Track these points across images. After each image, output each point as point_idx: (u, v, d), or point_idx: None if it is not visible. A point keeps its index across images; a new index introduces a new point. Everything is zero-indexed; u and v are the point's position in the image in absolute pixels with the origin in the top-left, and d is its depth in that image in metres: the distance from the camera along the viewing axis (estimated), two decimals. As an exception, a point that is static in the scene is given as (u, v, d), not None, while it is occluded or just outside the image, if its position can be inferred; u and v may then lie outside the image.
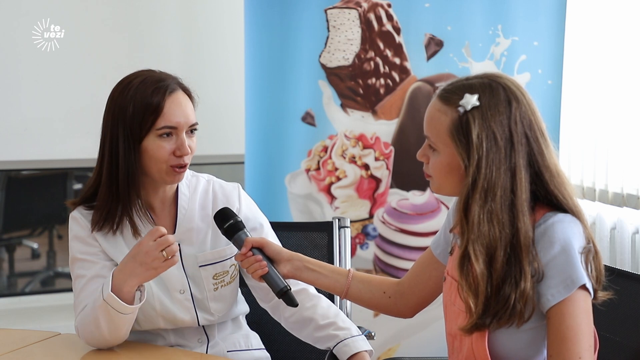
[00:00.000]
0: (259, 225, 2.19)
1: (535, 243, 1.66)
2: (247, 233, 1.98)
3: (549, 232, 1.66)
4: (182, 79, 2.11)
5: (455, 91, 1.70)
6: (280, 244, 2.15)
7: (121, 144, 2.02)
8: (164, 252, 1.93)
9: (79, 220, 2.10)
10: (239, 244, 1.97)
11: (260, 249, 1.96)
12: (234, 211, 2.13)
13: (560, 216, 1.68)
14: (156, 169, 2.04)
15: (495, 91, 1.68)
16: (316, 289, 2.15)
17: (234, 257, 2.11)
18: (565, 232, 1.65)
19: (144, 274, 1.95)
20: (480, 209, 1.65)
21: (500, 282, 1.64)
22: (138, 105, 2.01)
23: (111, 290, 1.95)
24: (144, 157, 2.04)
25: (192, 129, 2.07)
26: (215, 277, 2.14)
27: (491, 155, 1.65)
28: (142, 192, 2.09)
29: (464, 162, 1.67)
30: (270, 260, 1.96)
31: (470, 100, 1.67)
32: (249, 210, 2.19)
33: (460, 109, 1.68)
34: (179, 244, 2.11)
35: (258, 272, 1.93)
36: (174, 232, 2.12)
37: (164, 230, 1.95)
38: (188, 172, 2.18)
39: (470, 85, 1.70)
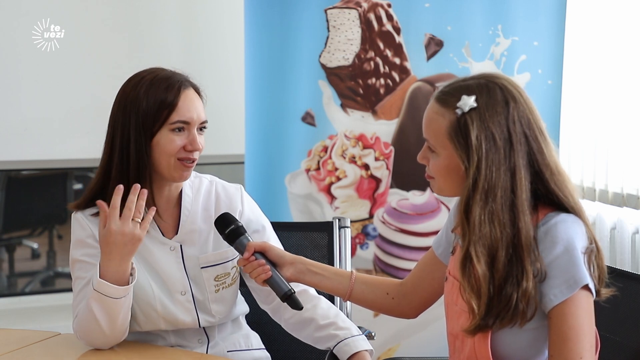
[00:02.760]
0: (261, 228, 2.19)
1: (537, 243, 1.66)
2: (249, 237, 1.98)
3: (551, 232, 1.66)
4: (191, 77, 2.12)
5: (452, 93, 1.70)
6: (281, 246, 2.15)
7: (133, 138, 2.03)
8: (137, 219, 1.97)
9: (80, 221, 2.10)
10: (241, 249, 1.97)
11: (262, 253, 1.96)
12: (237, 213, 2.13)
13: (563, 216, 1.68)
14: (166, 163, 2.05)
15: (492, 92, 1.68)
16: (318, 291, 2.15)
17: (236, 263, 2.12)
18: (568, 232, 1.65)
19: (132, 249, 1.98)
20: (481, 210, 1.64)
21: (502, 282, 1.64)
22: (152, 100, 2.03)
23: (101, 278, 1.96)
24: (154, 152, 2.04)
25: (202, 127, 2.09)
26: (216, 279, 2.14)
27: (491, 156, 1.65)
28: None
29: (463, 164, 1.67)
30: (273, 264, 1.95)
31: (468, 102, 1.67)
32: (251, 212, 2.19)
33: (458, 111, 1.68)
34: (180, 245, 2.12)
35: (262, 277, 1.93)
36: (177, 233, 2.12)
37: (114, 207, 1.98)
38: (192, 173, 2.18)
39: (467, 86, 1.70)
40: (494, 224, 1.64)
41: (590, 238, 1.69)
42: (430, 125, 1.73)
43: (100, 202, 2.00)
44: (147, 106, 2.03)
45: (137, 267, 2.03)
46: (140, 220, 1.98)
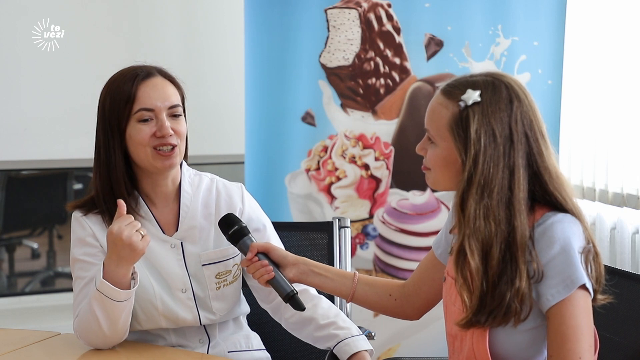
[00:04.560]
0: (261, 226, 2.19)
1: (535, 243, 1.66)
2: (252, 238, 1.99)
3: (548, 232, 1.66)
4: (166, 68, 2.11)
5: (458, 86, 1.71)
6: (282, 245, 2.15)
7: (106, 139, 2.05)
8: (141, 232, 1.95)
9: (80, 220, 2.11)
10: (244, 250, 1.97)
11: (265, 253, 1.96)
12: (237, 211, 2.13)
13: (560, 216, 1.68)
14: (143, 154, 2.05)
15: (497, 89, 1.69)
16: (319, 291, 2.15)
17: (239, 263, 2.12)
18: (565, 232, 1.66)
19: (131, 256, 1.95)
20: (476, 204, 1.65)
21: (496, 279, 1.64)
22: (113, 97, 2.05)
23: (104, 278, 1.95)
24: (130, 146, 2.05)
25: (175, 113, 2.07)
26: (217, 277, 2.14)
27: (489, 152, 1.65)
28: (141, 188, 2.09)
29: (460, 157, 1.68)
30: (276, 264, 1.96)
31: (472, 96, 1.68)
32: (252, 211, 2.19)
33: (462, 104, 1.68)
34: (181, 242, 2.12)
35: (264, 277, 1.93)
36: (177, 230, 2.12)
37: (123, 211, 1.96)
38: (191, 171, 2.18)
39: (473, 81, 1.71)
40: (489, 219, 1.64)
41: (587, 239, 1.69)
42: (433, 116, 1.74)
43: (119, 200, 1.98)
44: (111, 105, 2.05)
45: (138, 265, 2.03)
46: (143, 234, 1.96)
